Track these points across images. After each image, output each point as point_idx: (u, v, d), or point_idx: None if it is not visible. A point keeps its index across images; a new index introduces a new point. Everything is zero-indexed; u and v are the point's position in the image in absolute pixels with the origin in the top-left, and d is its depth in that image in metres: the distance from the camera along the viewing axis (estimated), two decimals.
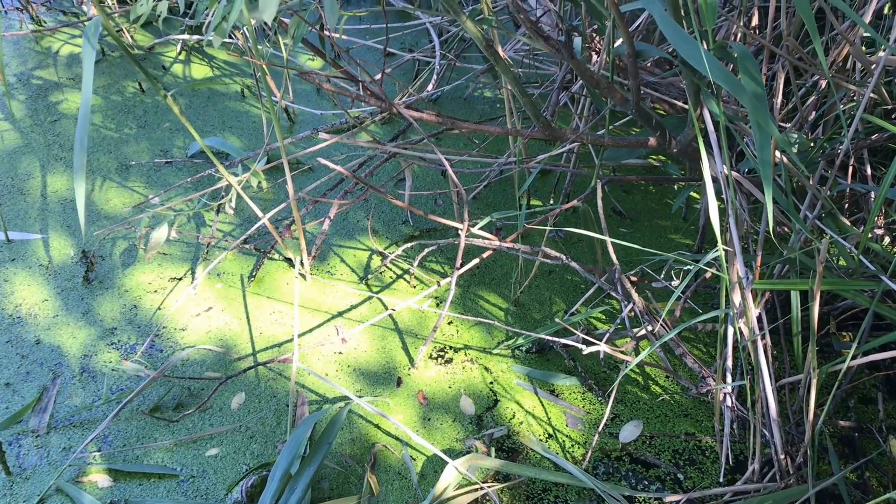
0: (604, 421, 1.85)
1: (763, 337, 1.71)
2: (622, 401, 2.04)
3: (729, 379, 1.75)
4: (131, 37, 3.65)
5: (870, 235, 1.86)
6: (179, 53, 3.58)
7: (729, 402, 1.80)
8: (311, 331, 2.22)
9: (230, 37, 3.58)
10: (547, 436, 1.95)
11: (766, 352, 1.67)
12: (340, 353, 2.15)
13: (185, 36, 3.44)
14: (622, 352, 1.92)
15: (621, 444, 1.93)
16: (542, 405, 2.03)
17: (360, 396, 2.03)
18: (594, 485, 1.75)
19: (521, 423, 1.99)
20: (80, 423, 1.95)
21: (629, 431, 1.96)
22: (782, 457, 1.70)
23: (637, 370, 2.13)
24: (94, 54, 1.62)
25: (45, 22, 3.80)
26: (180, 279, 2.37)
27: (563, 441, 1.94)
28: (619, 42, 2.03)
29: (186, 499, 1.78)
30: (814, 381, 1.57)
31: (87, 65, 1.60)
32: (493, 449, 1.90)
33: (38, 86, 3.28)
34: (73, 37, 3.70)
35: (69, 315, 2.24)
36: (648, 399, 2.05)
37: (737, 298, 1.64)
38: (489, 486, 1.80)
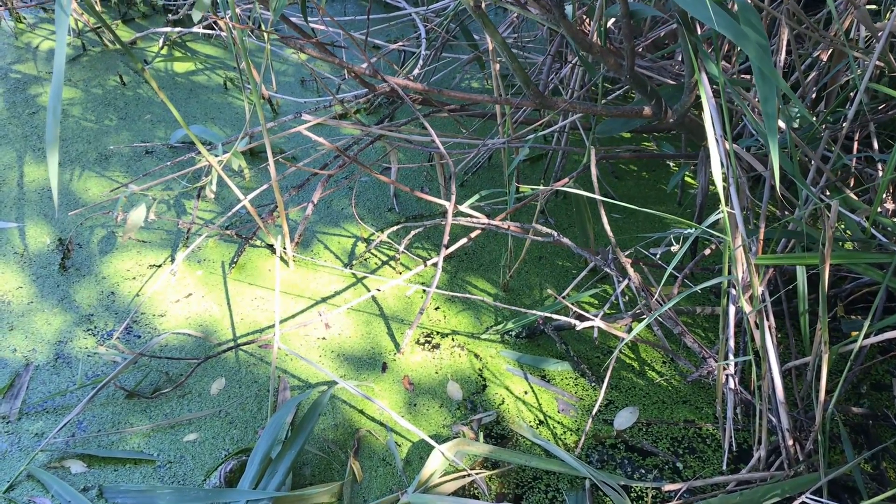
0: (597, 405, 1.75)
1: (767, 317, 1.61)
2: (617, 387, 1.95)
3: (731, 358, 1.65)
4: (112, 33, 3.57)
5: (878, 210, 1.77)
6: (162, 48, 3.50)
7: (732, 385, 1.70)
8: (293, 316, 2.13)
9: (213, 27, 3.50)
10: (538, 422, 1.86)
11: (770, 332, 1.57)
12: (324, 338, 2.06)
13: (167, 29, 3.35)
14: (617, 328, 1.83)
15: (616, 432, 1.84)
16: (533, 391, 1.94)
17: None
18: (588, 472, 1.65)
19: (511, 409, 1.89)
20: (53, 409, 1.85)
21: (624, 418, 1.86)
22: (791, 443, 1.59)
23: (632, 355, 2.03)
24: (67, 20, 1.54)
25: (24, 18, 3.72)
26: (159, 266, 2.27)
27: (555, 427, 1.85)
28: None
29: (163, 484, 1.68)
30: (825, 359, 1.46)
31: (59, 31, 1.52)
32: (481, 434, 1.80)
33: (16, 80, 3.20)
34: (53, 33, 3.62)
35: (44, 302, 2.14)
36: (645, 385, 1.95)
37: (740, 271, 1.55)
38: (477, 473, 1.70)
